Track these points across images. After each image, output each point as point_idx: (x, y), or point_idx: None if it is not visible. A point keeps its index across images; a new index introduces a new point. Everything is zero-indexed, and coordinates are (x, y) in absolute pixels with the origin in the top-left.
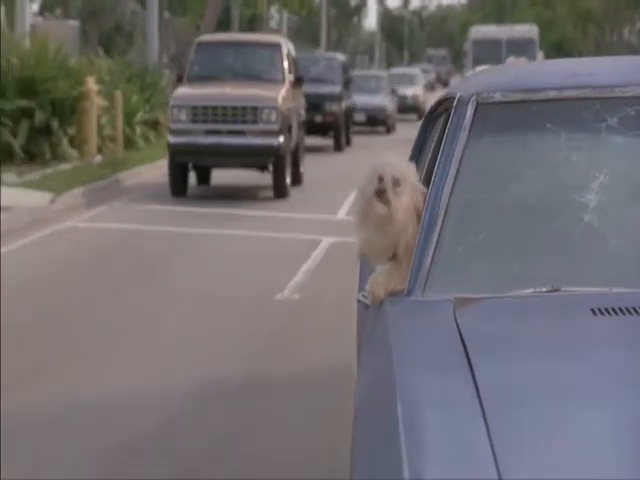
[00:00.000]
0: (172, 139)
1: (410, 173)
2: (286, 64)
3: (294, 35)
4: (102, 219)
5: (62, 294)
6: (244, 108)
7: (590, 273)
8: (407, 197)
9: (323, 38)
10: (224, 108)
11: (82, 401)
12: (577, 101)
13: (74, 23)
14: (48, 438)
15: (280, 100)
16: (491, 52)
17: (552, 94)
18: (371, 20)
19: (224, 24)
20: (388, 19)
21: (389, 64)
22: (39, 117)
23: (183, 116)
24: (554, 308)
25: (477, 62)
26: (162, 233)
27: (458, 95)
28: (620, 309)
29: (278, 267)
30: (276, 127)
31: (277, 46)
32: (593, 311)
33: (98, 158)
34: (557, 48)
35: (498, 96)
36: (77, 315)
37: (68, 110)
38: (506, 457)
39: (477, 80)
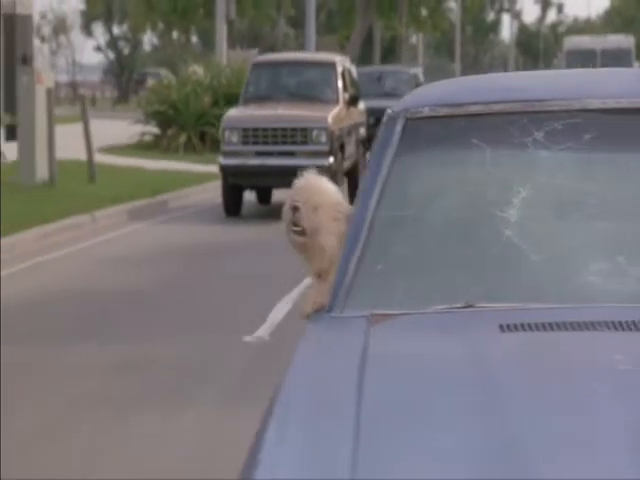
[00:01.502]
0: (223, 161)
1: (328, 192)
2: (340, 83)
3: (433, 51)
4: None
5: None
6: (294, 129)
7: (507, 289)
8: (326, 218)
9: (457, 54)
10: (274, 130)
11: None
12: (504, 115)
13: (254, 52)
14: None
15: (331, 120)
16: (585, 63)
17: (479, 108)
18: (507, 35)
19: (367, 43)
20: (524, 34)
21: None
22: None
23: (234, 138)
24: (463, 324)
25: None
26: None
27: (389, 111)
28: (529, 325)
29: None
30: (326, 148)
31: (331, 65)
32: (501, 327)
33: None
34: None
35: (426, 111)
36: None
37: None
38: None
39: (413, 95)
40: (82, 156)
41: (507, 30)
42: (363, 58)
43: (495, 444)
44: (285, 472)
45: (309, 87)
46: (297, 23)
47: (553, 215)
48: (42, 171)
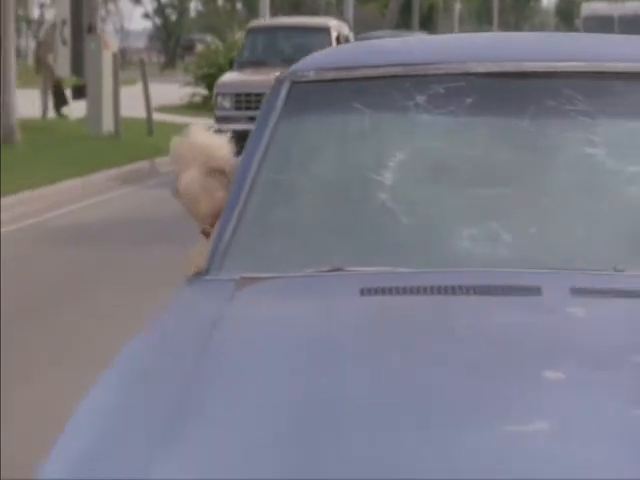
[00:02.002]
0: (216, 126)
1: (207, 148)
2: None
3: (474, 19)
4: None
5: None
6: None
7: (377, 253)
8: (196, 171)
9: (495, 22)
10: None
11: None
12: (388, 79)
13: None
14: None
15: None
16: (602, 30)
17: (364, 72)
18: (547, 2)
19: (406, 11)
20: (564, 1)
21: None
22: None
23: (227, 103)
24: (326, 288)
25: None
26: None
27: (276, 74)
28: (390, 289)
29: None
30: None
31: (326, 30)
32: (362, 291)
33: None
34: None
35: (312, 75)
36: None
37: None
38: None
39: (305, 59)
40: (139, 114)
41: None
42: (402, 26)
43: (315, 404)
44: (85, 442)
45: (303, 52)
46: None
47: (429, 179)
48: (108, 124)
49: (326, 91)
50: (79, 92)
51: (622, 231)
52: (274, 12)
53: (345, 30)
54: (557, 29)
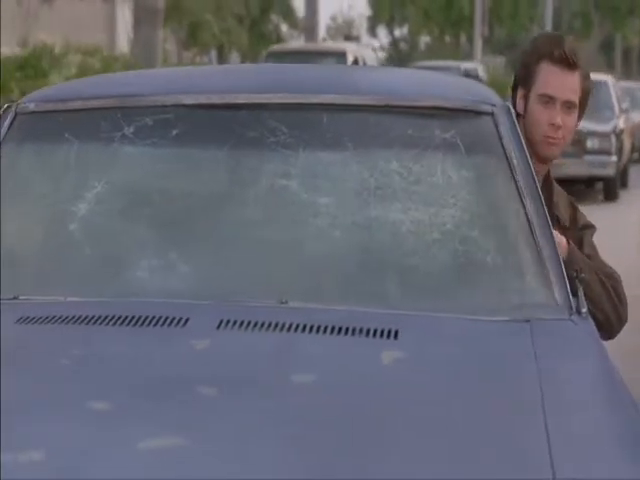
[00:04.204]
0: None
1: None
2: None
3: None
4: None
5: None
6: None
7: (55, 282)
8: None
9: None
10: None
11: None
12: (101, 111)
13: (501, 59)
14: None
15: None
16: None
17: (78, 104)
18: None
19: (608, 51)
20: None
21: None
22: None
23: None
24: None
25: None
26: None
27: (6, 105)
28: (45, 318)
29: None
30: None
31: (342, 54)
32: (20, 319)
33: None
34: None
35: (32, 106)
36: None
37: None
38: None
39: (40, 90)
40: None
41: None
42: (603, 65)
43: None
44: None
45: None
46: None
47: (121, 210)
48: None
49: (44, 123)
50: None
51: (297, 264)
52: (490, 50)
53: (367, 53)
54: None
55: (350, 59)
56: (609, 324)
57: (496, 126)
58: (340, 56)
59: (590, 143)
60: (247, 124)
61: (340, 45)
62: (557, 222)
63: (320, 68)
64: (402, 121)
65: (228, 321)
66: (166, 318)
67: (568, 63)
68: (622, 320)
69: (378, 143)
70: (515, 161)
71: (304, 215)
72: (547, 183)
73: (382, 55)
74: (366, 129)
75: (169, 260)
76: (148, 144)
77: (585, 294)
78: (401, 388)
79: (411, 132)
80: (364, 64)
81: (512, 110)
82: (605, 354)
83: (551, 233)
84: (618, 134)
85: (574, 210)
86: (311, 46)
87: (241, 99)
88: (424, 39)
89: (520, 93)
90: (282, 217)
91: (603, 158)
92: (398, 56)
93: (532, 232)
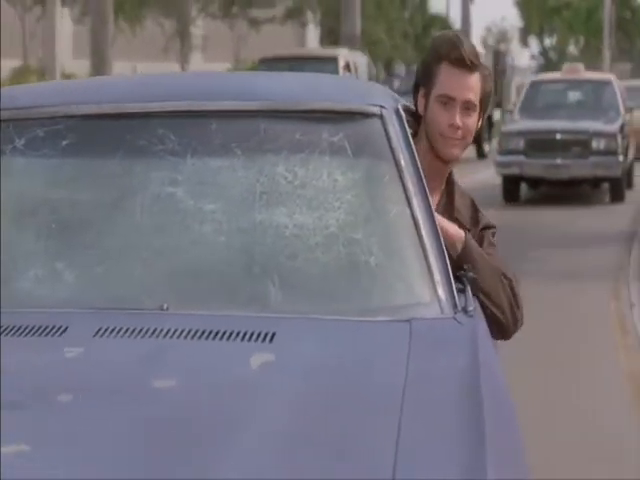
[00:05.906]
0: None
1: None
2: (342, 74)
3: None
4: None
5: None
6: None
7: None
8: None
9: None
10: None
11: None
12: None
13: (627, 65)
14: None
15: None
16: None
17: None
18: None
19: None
20: None
21: None
22: None
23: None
24: None
25: None
26: None
27: None
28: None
29: None
30: None
31: (333, 59)
32: None
33: None
34: None
35: None
36: None
37: None
38: None
39: None
40: None
41: None
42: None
43: None
44: None
45: None
46: None
47: (9, 222)
48: None
49: None
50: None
51: (180, 270)
52: (616, 57)
53: (359, 59)
54: None
55: (342, 64)
56: (505, 319)
57: (385, 128)
58: (332, 62)
59: (596, 144)
60: (137, 133)
61: (331, 51)
62: (458, 225)
63: (217, 75)
64: (290, 125)
65: (107, 329)
66: (45, 327)
67: (467, 64)
68: (517, 319)
69: (266, 148)
70: (403, 162)
71: (189, 222)
72: (449, 184)
73: (534, 63)
74: (255, 135)
75: (55, 269)
76: (38, 155)
77: (481, 289)
78: (260, 391)
79: (299, 136)
80: (356, 69)
81: (402, 112)
82: (490, 351)
83: (438, 234)
84: (624, 134)
85: (475, 211)
86: (302, 52)
87: (130, 108)
88: (571, 48)
89: (421, 92)
90: (168, 225)
91: (609, 159)
92: (547, 63)
93: (418, 233)
